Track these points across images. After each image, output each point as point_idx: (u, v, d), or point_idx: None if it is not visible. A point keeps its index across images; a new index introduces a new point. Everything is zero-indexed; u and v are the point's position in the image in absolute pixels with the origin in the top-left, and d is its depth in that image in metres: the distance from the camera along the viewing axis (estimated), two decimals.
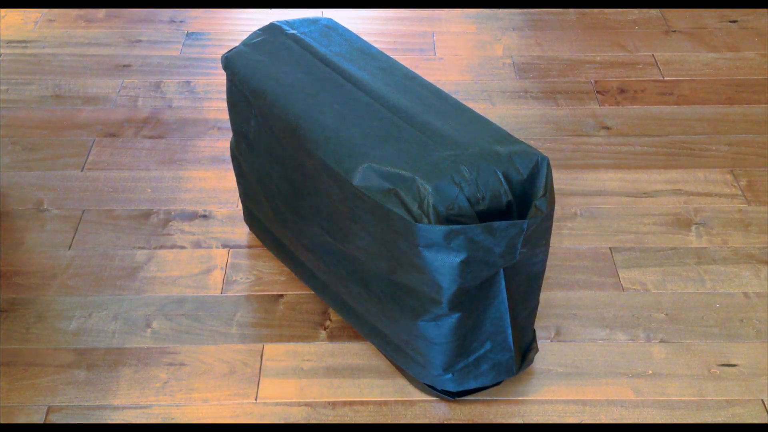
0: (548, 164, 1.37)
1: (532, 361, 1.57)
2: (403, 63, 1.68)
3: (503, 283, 1.39)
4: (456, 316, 1.39)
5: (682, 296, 1.78)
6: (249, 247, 1.89)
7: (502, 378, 1.54)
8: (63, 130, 2.24)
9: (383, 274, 1.44)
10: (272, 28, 1.69)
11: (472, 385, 1.53)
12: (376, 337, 1.60)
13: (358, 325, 1.64)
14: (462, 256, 1.31)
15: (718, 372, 1.63)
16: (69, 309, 1.74)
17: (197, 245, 1.90)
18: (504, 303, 1.42)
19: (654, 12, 2.74)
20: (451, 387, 1.52)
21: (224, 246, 1.89)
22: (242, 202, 1.87)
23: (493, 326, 1.45)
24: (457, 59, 2.54)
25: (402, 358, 1.56)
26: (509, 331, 1.46)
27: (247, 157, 1.70)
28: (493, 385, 1.57)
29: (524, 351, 1.56)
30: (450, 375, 1.50)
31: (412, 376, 1.58)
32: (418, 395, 1.58)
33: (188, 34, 2.63)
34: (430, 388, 1.56)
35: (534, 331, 1.59)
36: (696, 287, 1.80)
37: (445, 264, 1.32)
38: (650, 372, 1.63)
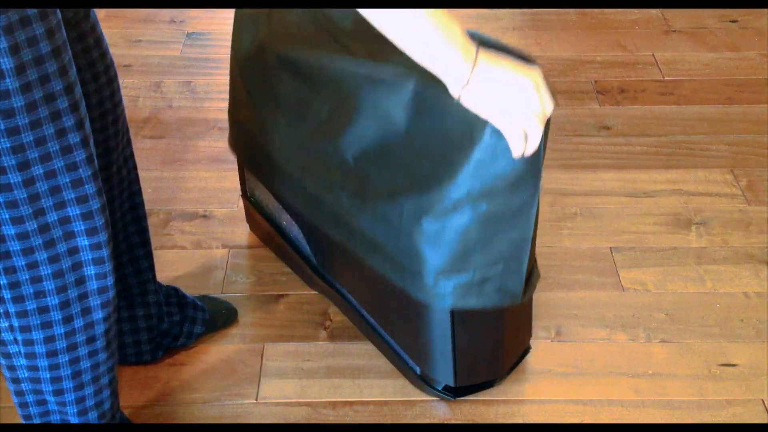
0: None
1: (535, 287, 1.48)
2: None
3: (536, 208, 1.31)
4: (469, 213, 1.30)
5: (682, 296, 1.78)
6: (249, 247, 1.89)
7: (506, 303, 1.42)
8: None
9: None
10: None
11: (472, 304, 1.40)
12: (365, 285, 1.57)
13: (349, 277, 1.63)
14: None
15: (718, 372, 1.63)
16: None
17: (197, 245, 1.90)
18: (530, 228, 1.33)
19: (654, 12, 2.74)
20: (449, 302, 1.40)
21: (224, 246, 1.89)
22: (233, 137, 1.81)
23: (510, 248, 1.35)
24: None
25: (394, 308, 1.49)
26: (526, 259, 1.37)
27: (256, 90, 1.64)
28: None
29: (528, 275, 1.46)
30: (451, 289, 1.37)
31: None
32: (418, 395, 1.58)
33: (188, 34, 2.63)
34: (431, 388, 1.57)
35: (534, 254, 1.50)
36: (696, 287, 1.80)
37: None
38: (650, 372, 1.63)
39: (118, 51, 2.55)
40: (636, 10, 2.75)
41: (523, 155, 1.20)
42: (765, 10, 2.73)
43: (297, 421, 1.54)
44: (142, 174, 2.12)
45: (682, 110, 2.32)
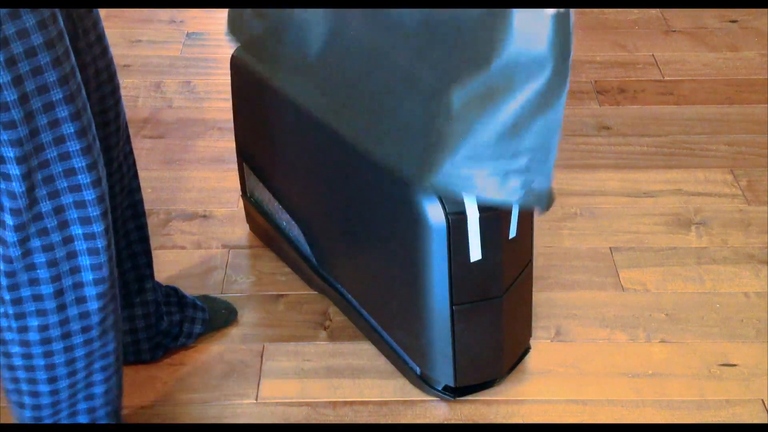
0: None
1: (554, 199, 1.37)
2: None
3: (564, 98, 1.23)
4: (496, 91, 1.21)
5: (682, 296, 1.78)
6: (249, 247, 1.89)
7: (530, 205, 1.32)
8: None
9: None
10: None
11: (493, 196, 1.28)
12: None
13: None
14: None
15: (718, 372, 1.63)
16: None
17: (197, 245, 1.90)
18: (558, 120, 1.23)
19: (654, 12, 2.74)
20: (466, 191, 1.30)
21: (224, 246, 1.89)
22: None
23: (537, 139, 1.25)
24: None
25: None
26: (552, 157, 1.27)
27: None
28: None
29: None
30: (470, 177, 1.26)
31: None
32: (418, 395, 1.58)
33: (188, 34, 2.63)
34: (431, 388, 1.57)
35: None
36: (696, 287, 1.80)
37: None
38: (650, 372, 1.63)
39: (118, 51, 2.55)
40: (636, 10, 2.75)
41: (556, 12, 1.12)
42: (765, 10, 2.73)
43: (297, 421, 1.54)
44: (142, 174, 2.12)
45: (682, 110, 2.32)
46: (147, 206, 1.98)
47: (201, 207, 2.00)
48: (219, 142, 2.19)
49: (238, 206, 1.97)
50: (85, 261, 1.20)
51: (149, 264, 1.54)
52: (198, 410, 1.56)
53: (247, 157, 1.83)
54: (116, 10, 2.74)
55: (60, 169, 1.13)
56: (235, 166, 1.92)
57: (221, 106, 2.30)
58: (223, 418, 1.55)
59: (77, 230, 1.17)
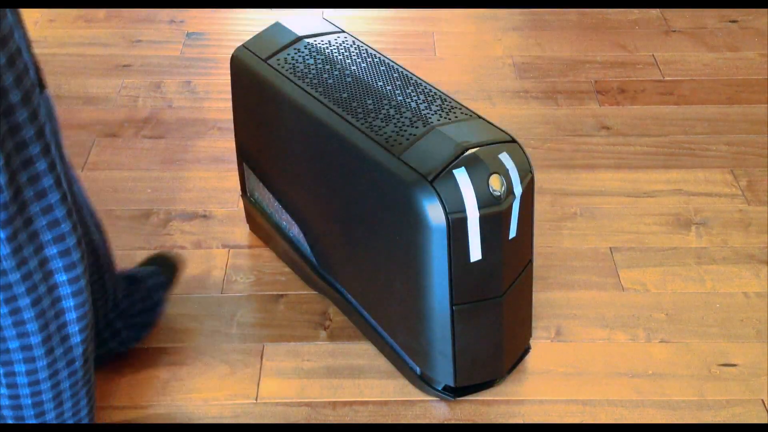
0: None
1: None
2: (403, 63, 1.68)
3: None
4: None
5: (682, 296, 1.78)
6: (249, 247, 1.89)
7: None
8: (63, 130, 2.22)
9: None
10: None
11: None
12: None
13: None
14: None
15: (718, 372, 1.63)
16: None
17: (197, 245, 1.90)
18: None
19: (654, 12, 2.74)
20: None
21: (224, 246, 1.89)
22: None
23: None
24: (457, 59, 2.54)
25: None
26: None
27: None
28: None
29: None
30: None
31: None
32: (418, 395, 1.58)
33: (188, 34, 2.63)
34: (431, 388, 1.57)
35: None
36: (696, 287, 1.80)
37: None
38: (650, 372, 1.63)
39: (118, 51, 2.56)
40: (636, 10, 2.75)
41: None
42: (765, 10, 2.73)
43: (297, 421, 1.54)
44: (142, 174, 2.13)
45: (682, 110, 2.32)
46: (147, 206, 1.99)
47: (201, 207, 2.00)
48: (219, 142, 2.18)
49: (238, 206, 1.97)
50: (69, 303, 1.20)
51: (103, 287, 1.50)
52: (198, 410, 1.56)
53: (247, 156, 1.83)
54: (116, 10, 2.74)
55: (44, 223, 1.12)
56: (235, 166, 1.92)
57: (221, 106, 2.29)
58: (223, 418, 1.55)
59: (62, 277, 1.17)
